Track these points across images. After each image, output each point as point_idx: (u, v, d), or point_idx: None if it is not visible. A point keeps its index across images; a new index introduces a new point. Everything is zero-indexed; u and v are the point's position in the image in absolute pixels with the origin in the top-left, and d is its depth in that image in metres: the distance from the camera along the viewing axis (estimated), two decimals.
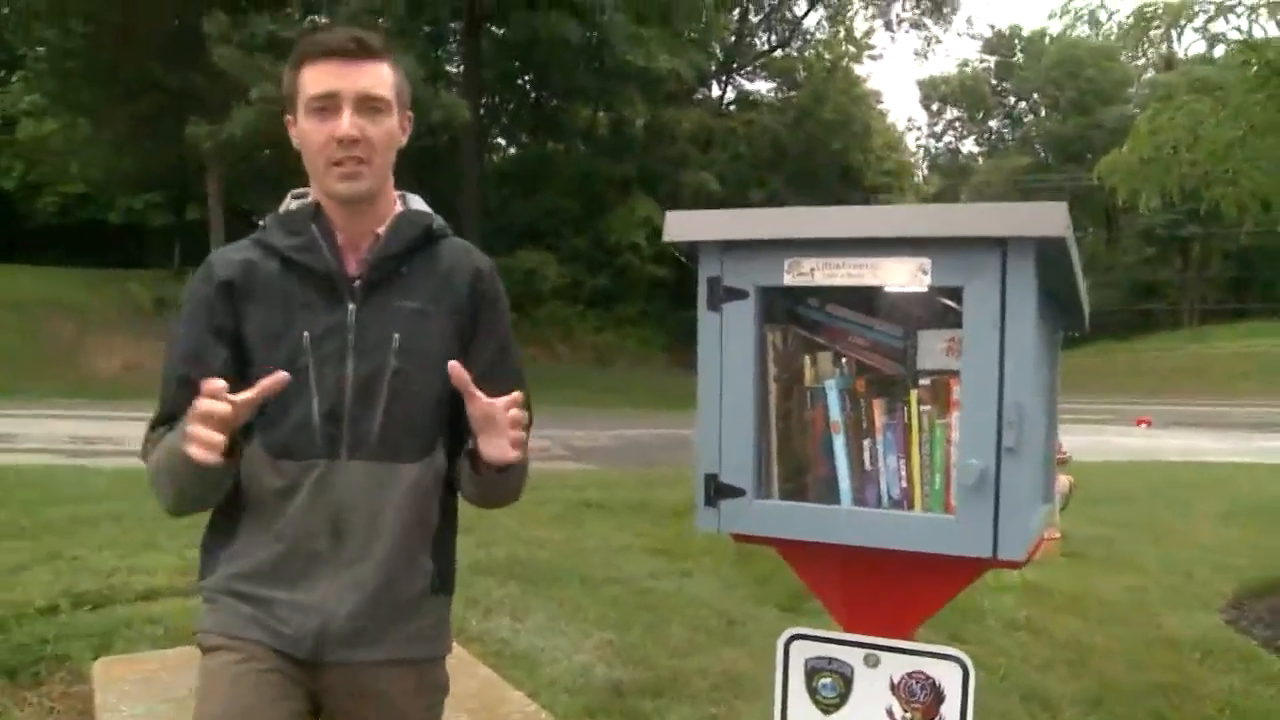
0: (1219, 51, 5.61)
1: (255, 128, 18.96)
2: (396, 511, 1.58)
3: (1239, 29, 5.21)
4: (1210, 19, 5.14)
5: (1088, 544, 6.50)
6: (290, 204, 1.68)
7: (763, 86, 39.85)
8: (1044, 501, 1.86)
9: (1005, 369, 1.37)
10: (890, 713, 1.55)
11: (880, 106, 40.99)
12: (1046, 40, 45.42)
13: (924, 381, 1.49)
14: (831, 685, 1.59)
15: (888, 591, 1.56)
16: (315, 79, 1.57)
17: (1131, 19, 5.41)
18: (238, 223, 22.01)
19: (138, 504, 6.34)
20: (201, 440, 1.37)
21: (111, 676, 3.15)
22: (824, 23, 38.41)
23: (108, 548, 5.16)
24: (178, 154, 22.42)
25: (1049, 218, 1.33)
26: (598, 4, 24.51)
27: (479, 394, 1.50)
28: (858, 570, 1.56)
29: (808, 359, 1.56)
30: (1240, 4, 5.07)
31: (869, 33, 39.56)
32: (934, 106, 57.06)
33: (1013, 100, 54.49)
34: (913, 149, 53.65)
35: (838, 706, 1.59)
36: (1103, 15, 5.60)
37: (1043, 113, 50.79)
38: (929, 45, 72.80)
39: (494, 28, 28.33)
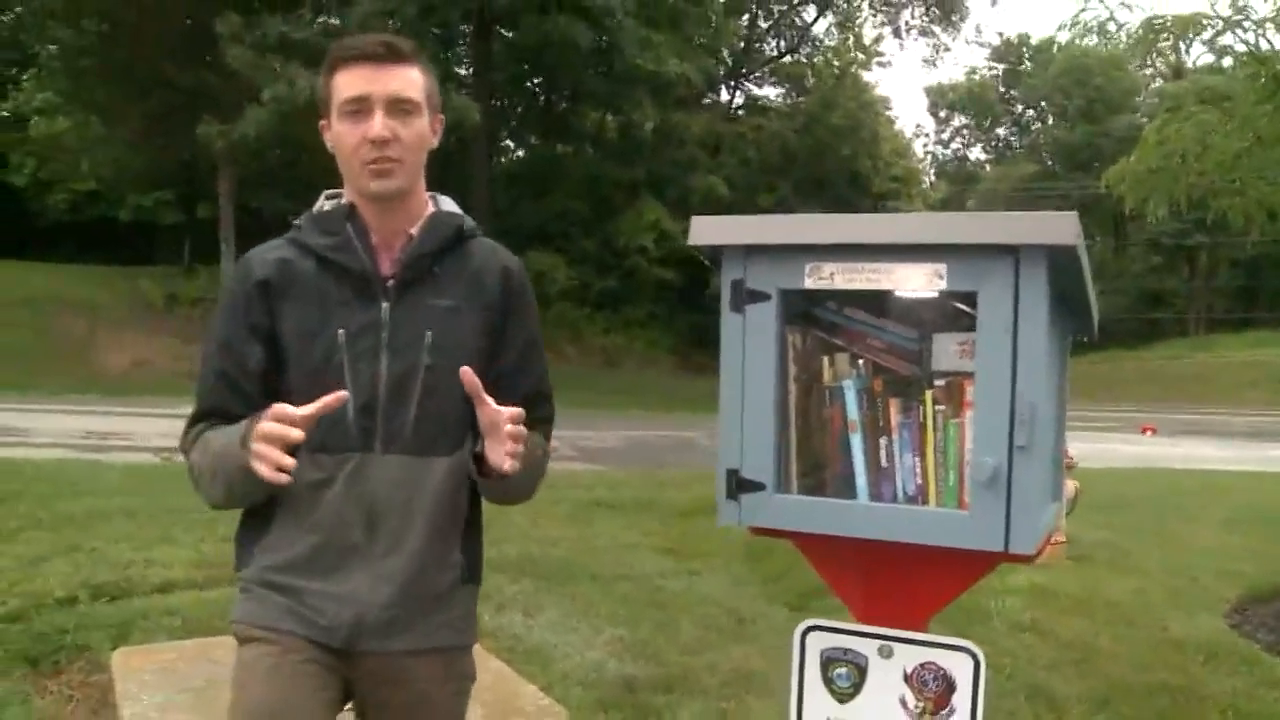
0: (1227, 62, 5.65)
1: (267, 128, 19.05)
2: (428, 504, 1.62)
3: (1246, 42, 5.26)
4: (1219, 33, 5.19)
5: (1093, 548, 6.52)
6: (324, 204, 1.71)
7: (771, 92, 39.90)
8: (1053, 499, 1.92)
9: (1018, 370, 1.43)
10: (903, 702, 1.61)
11: (889, 113, 40.99)
12: (1055, 49, 45.27)
13: (939, 382, 1.55)
14: (846, 675, 1.65)
15: (902, 584, 1.62)
16: (348, 83, 1.61)
17: (1140, 30, 5.45)
18: (248, 221, 22.10)
19: (151, 499, 6.42)
20: (271, 461, 1.43)
21: (131, 666, 3.18)
22: (833, 29, 38.48)
23: (124, 541, 5.21)
24: (189, 153, 22.46)
25: (1060, 226, 1.39)
26: (608, 8, 24.54)
27: (489, 400, 1.54)
28: (873, 563, 1.62)
29: (826, 360, 1.62)
30: (1248, 18, 5.12)
31: (878, 40, 39.34)
32: (942, 114, 56.94)
33: (1020, 108, 54.34)
34: (920, 156, 53.61)
35: (852, 696, 1.65)
36: (1112, 27, 5.66)
37: (1050, 121, 50.60)
38: (937, 53, 72.25)
39: (504, 31, 28.38)
